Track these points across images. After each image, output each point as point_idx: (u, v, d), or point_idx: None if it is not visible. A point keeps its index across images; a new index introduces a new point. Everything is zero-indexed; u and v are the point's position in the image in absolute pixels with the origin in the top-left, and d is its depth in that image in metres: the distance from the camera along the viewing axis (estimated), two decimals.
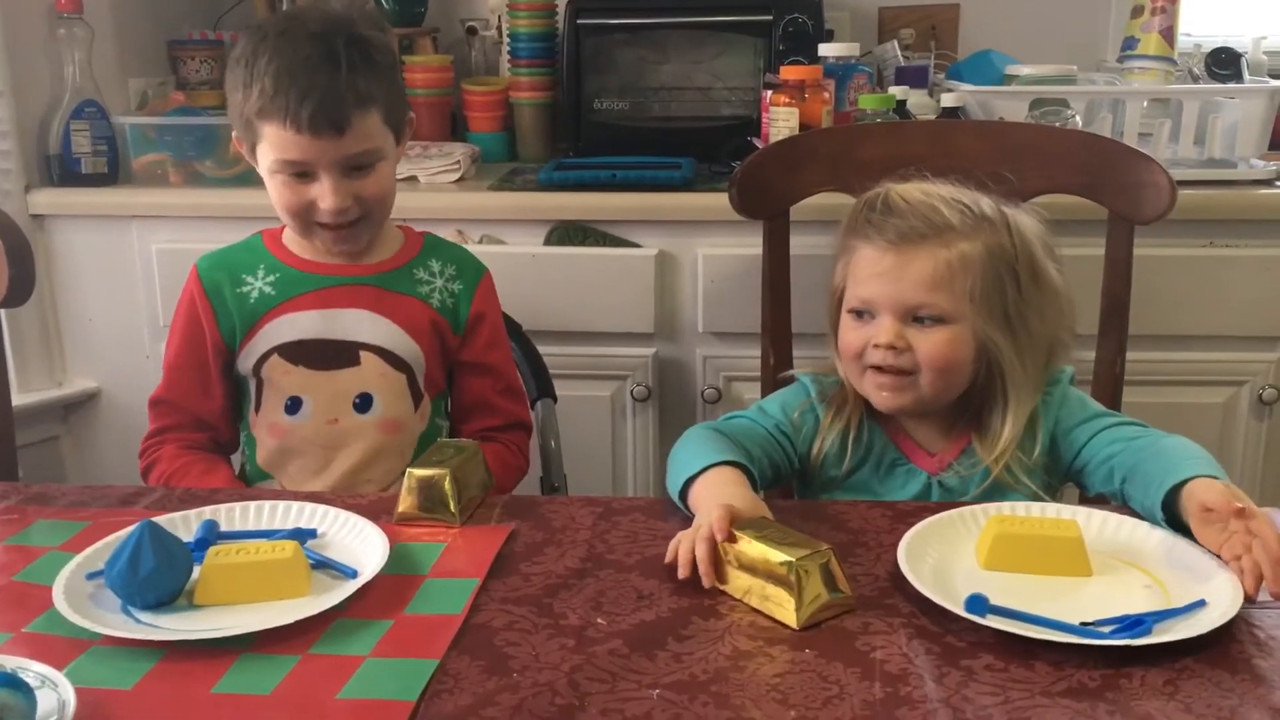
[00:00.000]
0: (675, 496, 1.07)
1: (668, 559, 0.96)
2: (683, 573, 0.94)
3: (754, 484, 1.07)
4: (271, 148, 1.28)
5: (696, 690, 0.80)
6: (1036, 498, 1.15)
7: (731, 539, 0.93)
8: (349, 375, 1.35)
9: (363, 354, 1.35)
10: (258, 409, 1.37)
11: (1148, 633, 0.84)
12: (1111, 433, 1.14)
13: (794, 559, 0.88)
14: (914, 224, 1.13)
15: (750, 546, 0.91)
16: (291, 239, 1.38)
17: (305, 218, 1.31)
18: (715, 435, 1.15)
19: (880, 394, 1.15)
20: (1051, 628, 0.85)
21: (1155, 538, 1.00)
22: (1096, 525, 1.01)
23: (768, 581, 0.90)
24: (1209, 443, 1.08)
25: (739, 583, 0.92)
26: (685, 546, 0.95)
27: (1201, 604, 0.88)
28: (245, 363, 1.36)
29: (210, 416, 1.39)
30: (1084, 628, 0.86)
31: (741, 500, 0.99)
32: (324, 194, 1.28)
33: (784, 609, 0.88)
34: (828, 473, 1.21)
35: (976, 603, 0.87)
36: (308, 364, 1.34)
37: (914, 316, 1.13)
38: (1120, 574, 0.96)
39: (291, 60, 1.25)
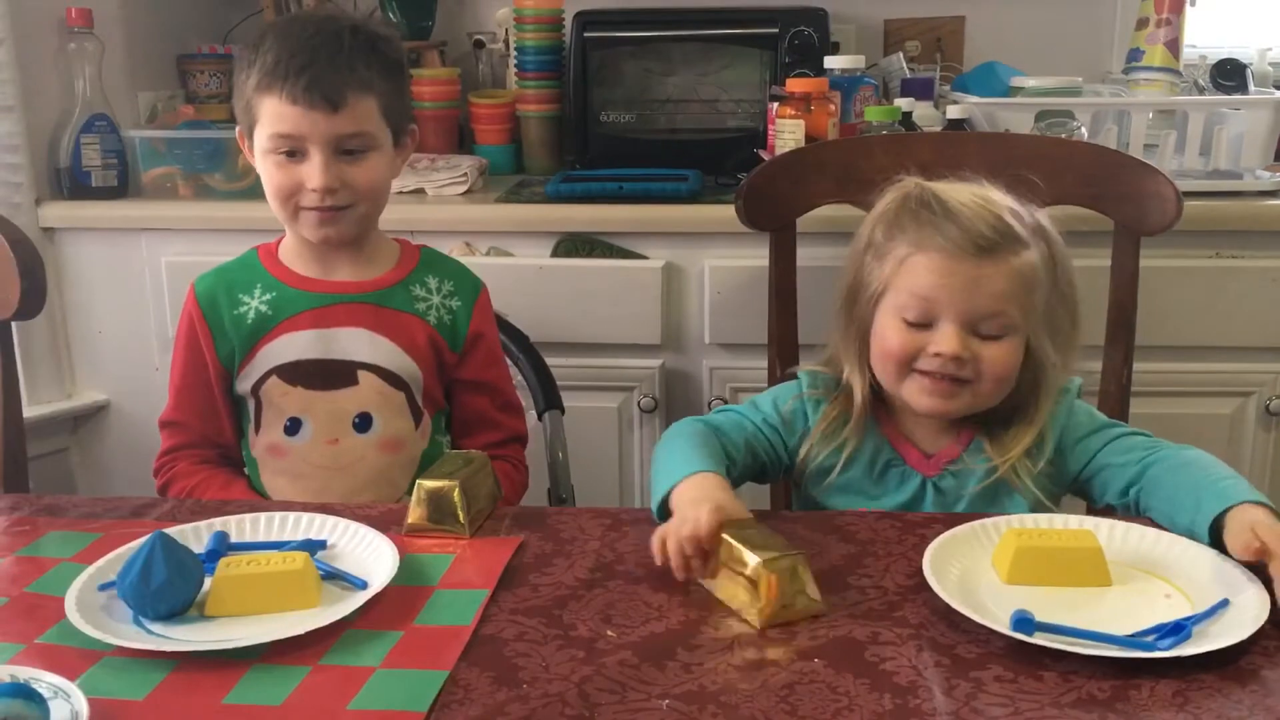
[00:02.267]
0: (655, 507, 1.06)
1: (658, 560, 0.97)
2: (680, 575, 0.96)
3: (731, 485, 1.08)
4: (267, 122, 1.27)
5: (706, 701, 0.80)
6: (1038, 503, 1.15)
7: (715, 540, 0.95)
8: (347, 395, 1.34)
9: (360, 373, 1.34)
10: (258, 429, 1.37)
11: (1189, 637, 0.85)
12: (1124, 442, 1.15)
13: (762, 559, 0.90)
14: (984, 232, 1.10)
15: (727, 547, 0.94)
16: (287, 252, 1.38)
17: (293, 201, 1.29)
18: (696, 436, 1.14)
19: (925, 399, 1.13)
20: (1099, 641, 0.85)
21: (1164, 543, 1.00)
22: (1105, 534, 1.01)
23: (739, 581, 0.92)
24: (1216, 454, 1.08)
25: (716, 581, 0.95)
26: (674, 546, 0.96)
27: (1225, 604, 0.89)
28: (244, 384, 1.35)
29: (219, 436, 1.39)
30: (1131, 639, 0.85)
31: (727, 503, 1.00)
32: (312, 172, 1.27)
33: (749, 609, 0.90)
34: (816, 467, 1.20)
35: (1024, 623, 0.86)
36: (306, 384, 1.34)
37: (980, 331, 1.11)
38: (1138, 582, 0.96)
39: (296, 39, 1.27)
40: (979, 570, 0.97)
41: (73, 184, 1.92)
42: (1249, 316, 1.74)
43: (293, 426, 1.35)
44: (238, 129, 1.35)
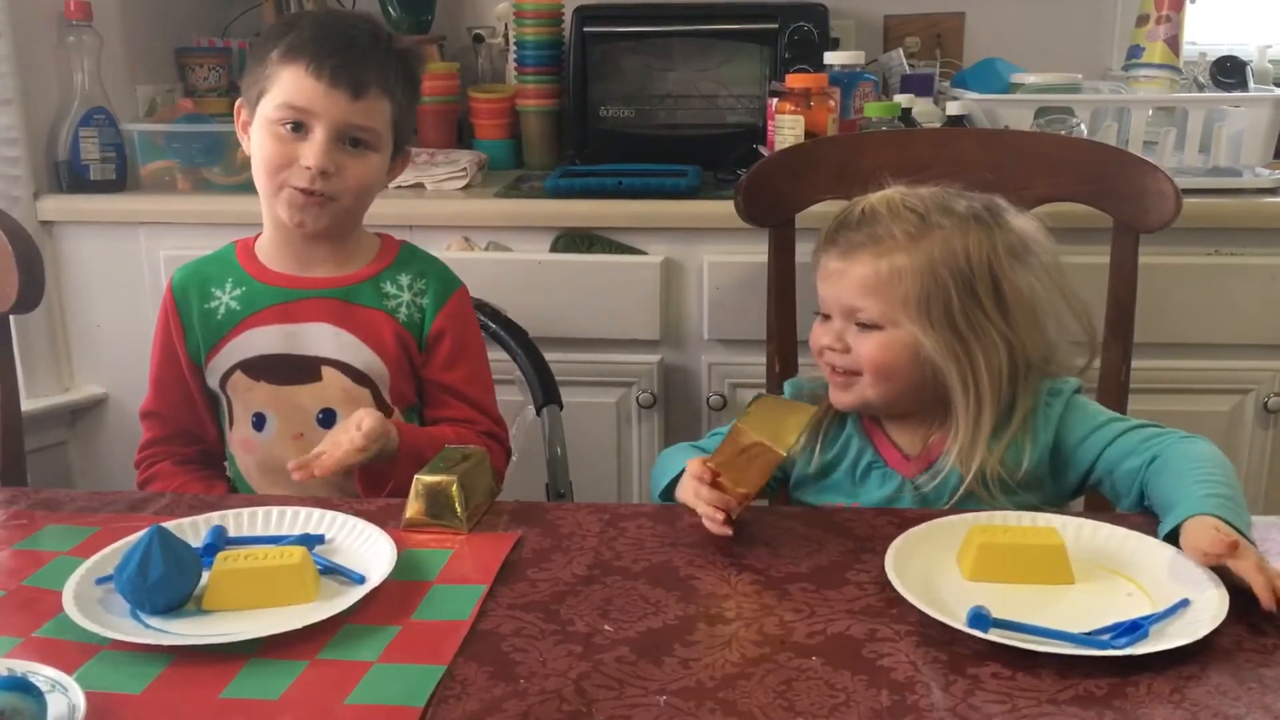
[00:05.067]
0: (659, 495, 1.17)
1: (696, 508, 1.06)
2: (722, 530, 1.02)
3: None
4: (281, 91, 1.26)
5: (703, 697, 0.80)
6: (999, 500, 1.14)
7: (716, 473, 1.05)
8: (310, 391, 1.33)
9: (324, 369, 1.33)
10: (231, 424, 1.37)
11: (1145, 636, 0.85)
12: (1124, 442, 1.13)
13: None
14: (854, 236, 1.17)
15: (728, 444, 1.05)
16: (264, 248, 1.37)
17: (282, 175, 1.27)
18: (688, 450, 1.22)
19: (832, 391, 1.21)
20: (1055, 638, 0.85)
21: (1131, 542, 1.00)
22: (1073, 532, 1.01)
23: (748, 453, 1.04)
24: None
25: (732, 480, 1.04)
26: (699, 505, 1.04)
27: (1186, 603, 0.88)
28: (212, 378, 1.35)
29: (197, 428, 1.39)
30: (1087, 637, 0.86)
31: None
32: (311, 149, 1.26)
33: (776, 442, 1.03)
34: (800, 472, 1.24)
35: (979, 619, 0.87)
36: (269, 379, 1.33)
37: (855, 321, 1.17)
38: (1101, 580, 0.96)
39: (336, 25, 1.30)
40: (943, 567, 0.98)
41: (71, 177, 1.92)
42: (1248, 314, 1.74)
43: (258, 422, 1.34)
44: (237, 102, 1.34)
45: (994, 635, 0.85)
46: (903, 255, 1.15)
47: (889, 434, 1.22)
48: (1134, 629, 0.86)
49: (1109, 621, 0.88)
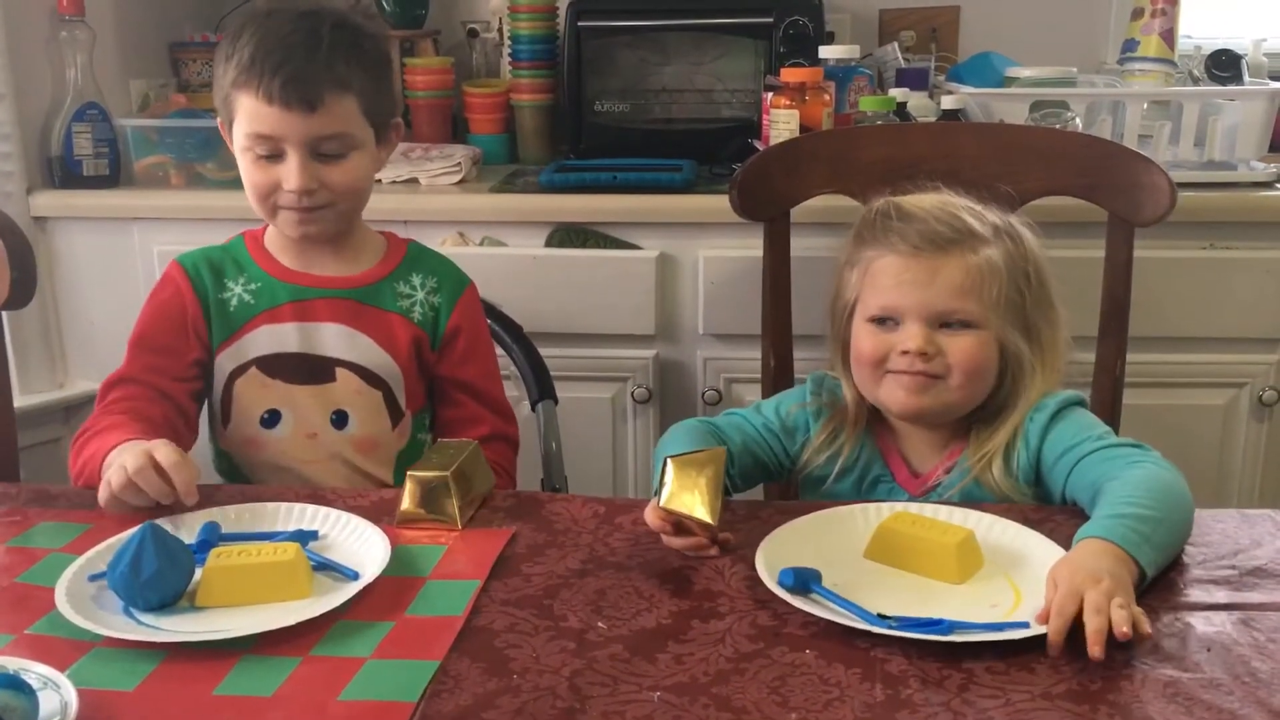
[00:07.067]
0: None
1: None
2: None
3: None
4: (244, 121, 1.25)
5: (697, 692, 0.80)
6: (1006, 499, 1.13)
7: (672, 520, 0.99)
8: (324, 391, 1.33)
9: (339, 370, 1.33)
10: (226, 422, 1.35)
11: (946, 632, 0.85)
12: (1084, 466, 1.09)
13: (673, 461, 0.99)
14: (939, 230, 1.13)
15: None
16: (273, 241, 1.36)
17: (271, 200, 1.27)
18: (694, 432, 1.19)
19: (900, 395, 1.14)
20: (855, 613, 0.88)
21: (1040, 552, 0.98)
22: (998, 531, 1.01)
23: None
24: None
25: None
26: (667, 541, 1.00)
27: (1025, 625, 0.87)
28: (220, 370, 1.34)
29: (175, 393, 1.30)
30: (879, 618, 0.87)
31: None
32: (289, 173, 1.24)
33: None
34: (811, 476, 1.23)
35: (787, 575, 0.91)
36: (285, 378, 1.33)
37: (942, 322, 1.13)
38: (987, 582, 0.95)
39: (273, 35, 1.24)
40: (848, 548, 1.00)
41: (64, 173, 1.91)
42: (1242, 308, 1.74)
43: (270, 419, 1.33)
44: (219, 119, 1.34)
45: (797, 601, 0.89)
46: (991, 250, 1.14)
47: (902, 451, 1.21)
48: (930, 625, 0.86)
49: (940, 615, 0.87)
